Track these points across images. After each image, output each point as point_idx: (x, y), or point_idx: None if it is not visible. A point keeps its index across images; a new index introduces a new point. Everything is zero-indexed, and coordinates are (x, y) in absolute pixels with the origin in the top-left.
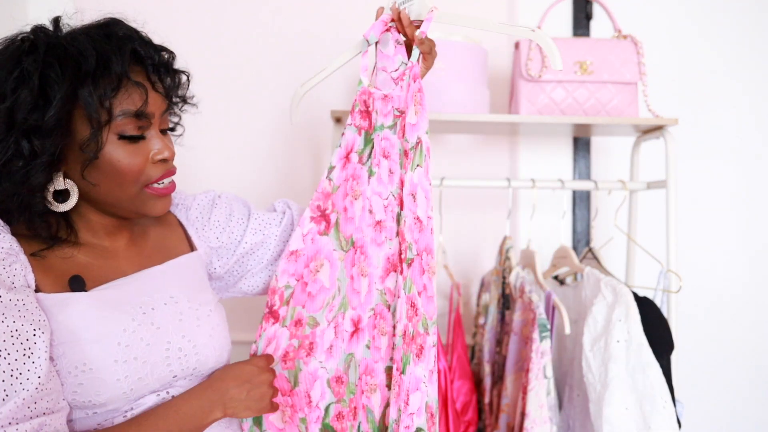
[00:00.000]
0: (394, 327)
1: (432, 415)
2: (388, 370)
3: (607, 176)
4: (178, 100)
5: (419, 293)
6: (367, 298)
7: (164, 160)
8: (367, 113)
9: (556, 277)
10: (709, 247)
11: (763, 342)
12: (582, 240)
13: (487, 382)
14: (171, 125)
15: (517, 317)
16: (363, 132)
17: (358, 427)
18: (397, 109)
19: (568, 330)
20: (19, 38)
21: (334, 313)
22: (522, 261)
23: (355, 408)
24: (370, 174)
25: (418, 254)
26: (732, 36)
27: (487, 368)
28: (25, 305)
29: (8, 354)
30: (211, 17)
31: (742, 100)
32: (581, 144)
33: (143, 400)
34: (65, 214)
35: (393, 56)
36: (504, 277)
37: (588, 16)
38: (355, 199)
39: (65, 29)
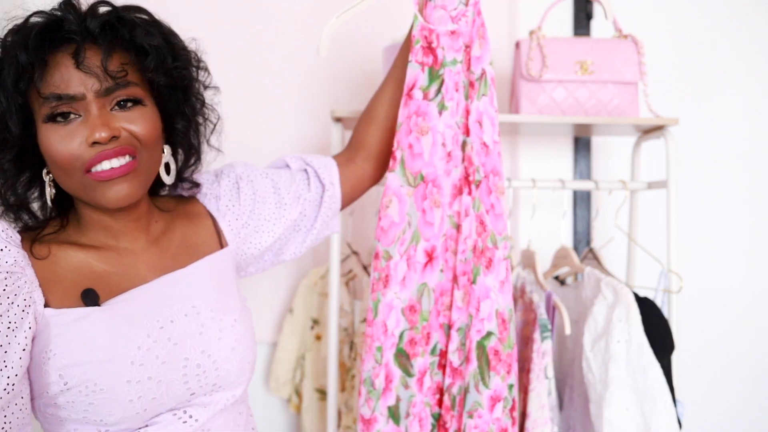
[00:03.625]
0: (459, 242)
1: (504, 321)
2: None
3: (607, 176)
4: (152, 67)
5: (487, 211)
6: (440, 227)
7: (97, 143)
8: (429, 49)
9: (556, 278)
10: (710, 247)
11: (764, 342)
12: (582, 240)
13: None
14: (129, 97)
15: (517, 317)
16: (427, 68)
17: (433, 348)
18: (465, 44)
19: (568, 330)
20: None
21: (406, 246)
22: (522, 261)
23: (428, 333)
24: (442, 108)
25: (485, 176)
26: (733, 36)
27: None
28: (19, 343)
29: None
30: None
31: (743, 100)
32: (582, 144)
33: (158, 419)
34: (66, 213)
35: None
36: None
37: (588, 16)
38: (423, 134)
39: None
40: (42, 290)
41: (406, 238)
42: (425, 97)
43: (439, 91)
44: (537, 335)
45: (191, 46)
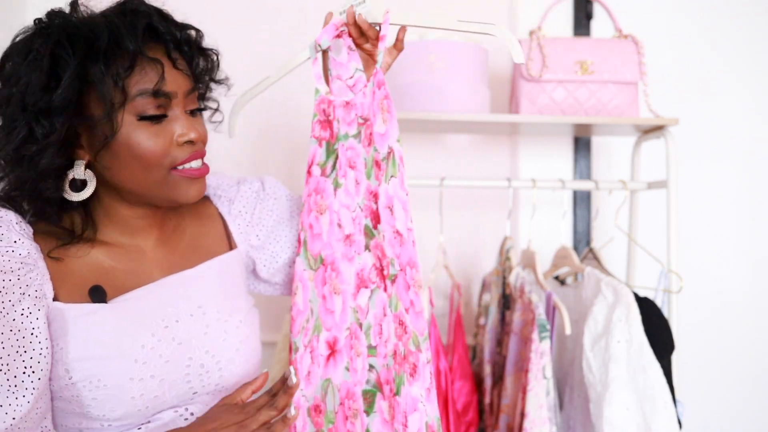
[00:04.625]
0: (369, 347)
1: None
2: (365, 394)
3: (607, 176)
4: (207, 79)
5: (406, 310)
6: (342, 317)
7: (190, 142)
8: (327, 122)
9: (556, 278)
10: (710, 247)
11: (764, 342)
12: (582, 240)
13: (488, 382)
14: (200, 106)
15: (517, 317)
16: (324, 143)
17: None
18: (360, 116)
19: (568, 330)
20: (33, 22)
21: (309, 337)
22: (522, 261)
23: None
24: (336, 186)
25: (401, 269)
26: (733, 35)
27: (487, 368)
28: (30, 331)
29: None
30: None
31: (744, 100)
32: (582, 144)
33: (160, 415)
34: (86, 208)
35: (347, 63)
36: (504, 278)
37: (588, 16)
38: (321, 213)
39: (84, 12)
40: (52, 284)
41: (309, 328)
42: (323, 173)
43: (334, 167)
44: (535, 335)
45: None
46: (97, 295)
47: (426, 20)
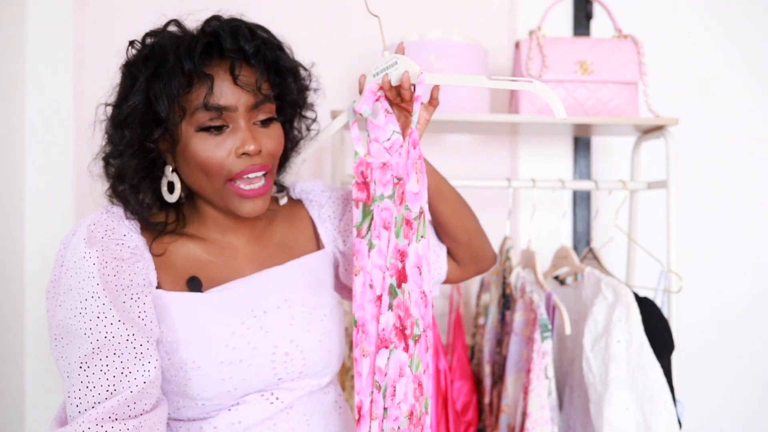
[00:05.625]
0: (391, 408)
1: None
2: None
3: (607, 176)
4: (286, 94)
5: (424, 371)
6: (368, 380)
7: (247, 154)
8: (365, 184)
9: (556, 277)
10: (709, 247)
11: (764, 342)
12: (582, 240)
13: (487, 382)
14: (268, 116)
15: (518, 317)
16: (361, 204)
17: None
18: (395, 176)
19: (568, 330)
20: (129, 42)
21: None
22: (522, 261)
23: None
24: (370, 247)
25: (423, 330)
26: (733, 35)
27: (487, 368)
28: (140, 311)
29: (122, 354)
30: None
31: (743, 100)
32: (582, 144)
33: (248, 398)
34: (182, 208)
35: (384, 126)
36: (504, 277)
37: (588, 16)
38: (356, 275)
39: (177, 31)
40: (156, 273)
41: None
42: (358, 234)
43: (369, 228)
44: (537, 335)
45: (311, 69)
46: (194, 285)
47: (459, 79)
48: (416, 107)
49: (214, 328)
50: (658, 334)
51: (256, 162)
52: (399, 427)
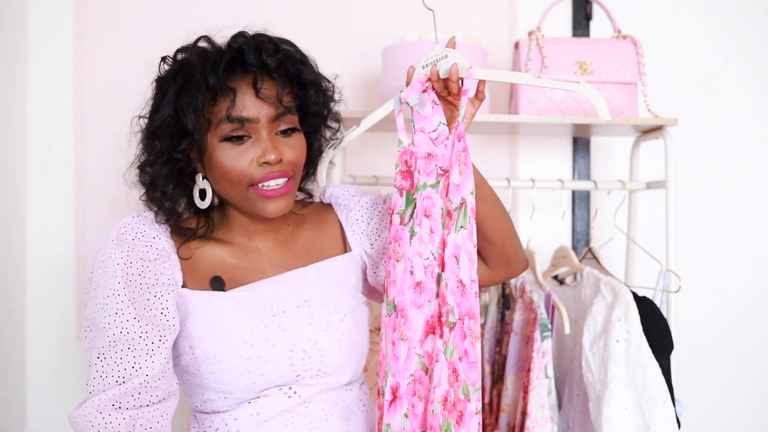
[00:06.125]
0: (430, 391)
1: None
2: None
3: (606, 176)
4: (308, 105)
5: (460, 358)
6: (406, 363)
7: (267, 163)
8: (408, 173)
9: (555, 277)
10: (708, 247)
11: (764, 342)
12: (582, 240)
13: (487, 382)
14: (290, 126)
15: (517, 317)
16: (404, 192)
17: None
18: (440, 167)
19: (567, 330)
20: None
21: (381, 382)
22: None
23: None
24: (412, 234)
25: (460, 318)
26: (732, 35)
27: (486, 368)
28: (163, 308)
29: (135, 349)
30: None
31: (742, 100)
32: (581, 144)
33: (267, 392)
34: (212, 213)
35: (431, 117)
36: None
37: (588, 17)
38: (397, 261)
39: (207, 46)
40: (182, 274)
41: (383, 372)
42: (401, 221)
43: (411, 215)
44: (537, 335)
45: (334, 80)
46: (217, 284)
47: (507, 76)
48: (463, 101)
49: (234, 325)
50: (657, 333)
51: (276, 170)
52: (433, 411)
